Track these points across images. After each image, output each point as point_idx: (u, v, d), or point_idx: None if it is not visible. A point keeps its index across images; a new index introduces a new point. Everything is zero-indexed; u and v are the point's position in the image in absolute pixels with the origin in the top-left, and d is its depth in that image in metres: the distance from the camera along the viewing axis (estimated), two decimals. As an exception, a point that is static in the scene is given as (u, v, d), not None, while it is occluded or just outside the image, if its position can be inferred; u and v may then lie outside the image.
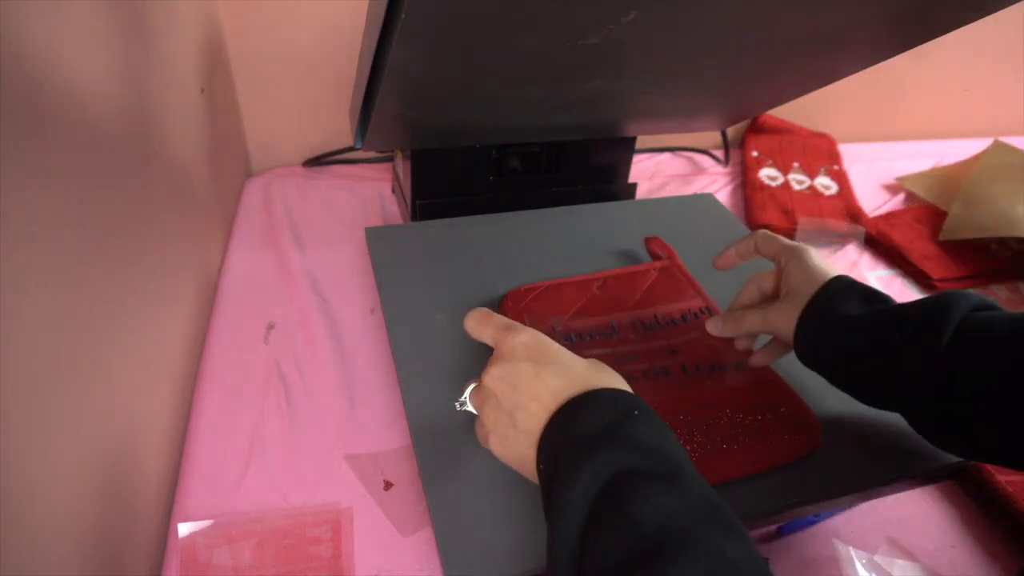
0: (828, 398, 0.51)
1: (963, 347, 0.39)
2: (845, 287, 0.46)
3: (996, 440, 0.39)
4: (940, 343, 0.40)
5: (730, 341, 0.54)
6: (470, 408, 0.42)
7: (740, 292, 0.53)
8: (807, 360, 0.47)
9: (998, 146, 1.01)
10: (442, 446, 0.46)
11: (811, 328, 0.46)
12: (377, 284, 0.60)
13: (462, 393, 0.43)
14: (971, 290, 0.43)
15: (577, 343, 0.53)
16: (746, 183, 0.95)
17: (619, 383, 0.38)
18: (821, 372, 0.47)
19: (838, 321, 0.44)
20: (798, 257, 0.49)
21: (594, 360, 0.39)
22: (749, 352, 0.53)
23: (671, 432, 0.36)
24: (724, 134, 1.00)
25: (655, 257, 0.65)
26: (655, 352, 0.54)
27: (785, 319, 0.48)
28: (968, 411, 0.39)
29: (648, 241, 0.66)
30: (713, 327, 0.53)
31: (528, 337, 0.40)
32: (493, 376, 0.39)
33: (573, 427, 0.35)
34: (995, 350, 0.38)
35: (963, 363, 0.39)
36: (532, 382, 0.37)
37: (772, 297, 0.52)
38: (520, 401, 0.37)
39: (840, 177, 0.98)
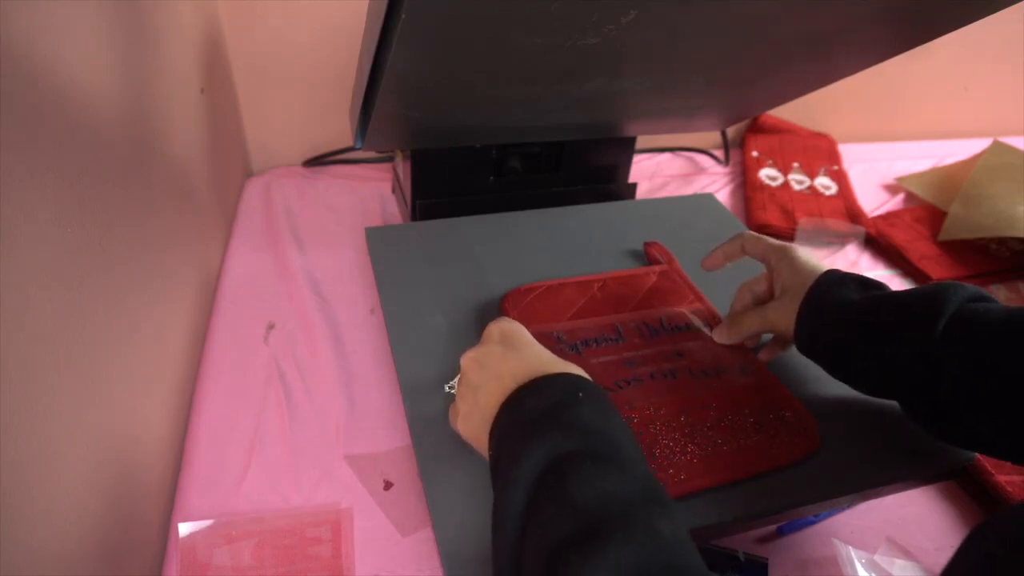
0: (828, 400, 0.51)
1: (957, 337, 0.40)
2: (840, 278, 0.47)
3: (989, 430, 0.39)
4: (934, 332, 0.40)
5: (733, 346, 0.55)
6: (455, 392, 0.44)
7: (734, 299, 0.55)
8: (807, 351, 0.48)
9: (998, 146, 1.01)
10: (442, 446, 0.46)
11: (810, 319, 0.47)
12: (377, 284, 0.60)
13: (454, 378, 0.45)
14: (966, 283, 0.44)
15: (584, 352, 0.53)
16: (746, 183, 0.95)
17: (579, 373, 0.40)
18: (820, 362, 0.48)
19: (835, 308, 0.45)
20: (787, 256, 0.50)
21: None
22: (752, 355, 0.54)
23: (617, 415, 0.37)
24: (724, 134, 1.00)
25: (654, 261, 0.65)
26: (661, 356, 0.54)
27: (783, 315, 0.49)
28: (961, 401, 0.39)
29: (647, 246, 0.66)
30: (719, 335, 0.55)
31: (506, 325, 0.43)
32: (468, 357, 0.42)
33: (522, 409, 0.36)
34: (988, 341, 0.39)
35: (956, 353, 0.39)
36: (499, 363, 0.40)
37: (766, 298, 0.53)
38: (484, 379, 0.40)
39: (840, 177, 0.98)
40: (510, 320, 0.44)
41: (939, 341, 0.40)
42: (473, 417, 0.40)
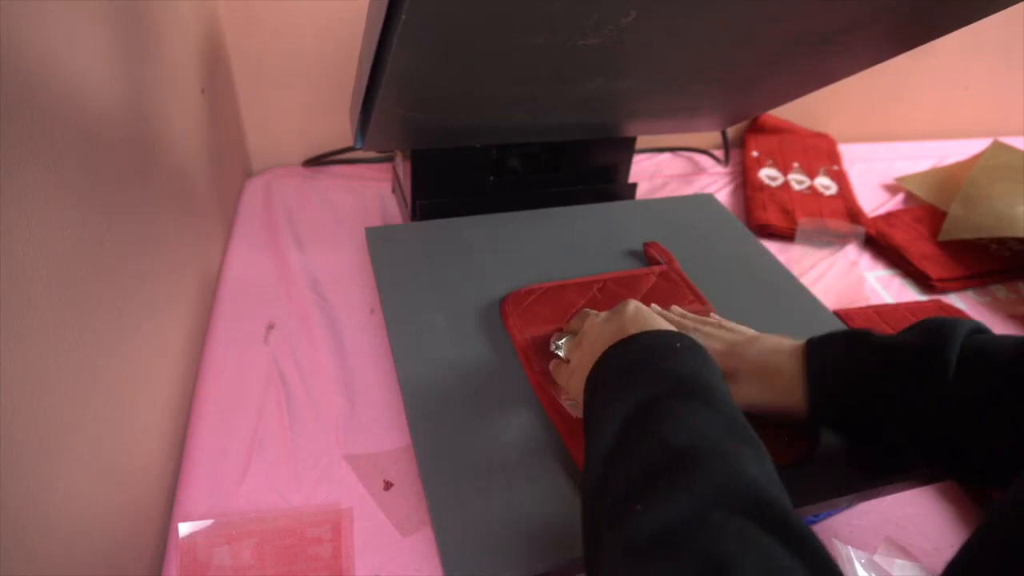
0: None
1: (969, 377, 0.38)
2: (825, 338, 0.44)
3: (1011, 467, 0.36)
4: (947, 376, 0.38)
5: None
6: (560, 352, 0.50)
7: None
8: (830, 422, 0.45)
9: (997, 146, 1.01)
10: (442, 446, 0.46)
11: (825, 386, 0.43)
12: (377, 284, 0.60)
13: (560, 339, 0.51)
14: (954, 317, 0.41)
15: None
16: (746, 183, 0.95)
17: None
18: (844, 431, 0.46)
19: (844, 374, 0.42)
20: (737, 353, 0.46)
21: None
22: None
23: (714, 364, 0.38)
24: (724, 134, 1.00)
25: (653, 262, 0.65)
26: None
27: (785, 396, 0.45)
28: (980, 439, 0.38)
29: (647, 246, 0.66)
30: None
31: (641, 304, 0.45)
32: (598, 317, 0.45)
33: (618, 357, 0.39)
34: (1000, 380, 0.37)
35: (971, 394, 0.38)
36: (622, 320, 0.42)
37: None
38: (604, 333, 0.42)
39: (840, 177, 0.98)
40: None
41: (953, 384, 0.38)
42: (584, 368, 0.42)
